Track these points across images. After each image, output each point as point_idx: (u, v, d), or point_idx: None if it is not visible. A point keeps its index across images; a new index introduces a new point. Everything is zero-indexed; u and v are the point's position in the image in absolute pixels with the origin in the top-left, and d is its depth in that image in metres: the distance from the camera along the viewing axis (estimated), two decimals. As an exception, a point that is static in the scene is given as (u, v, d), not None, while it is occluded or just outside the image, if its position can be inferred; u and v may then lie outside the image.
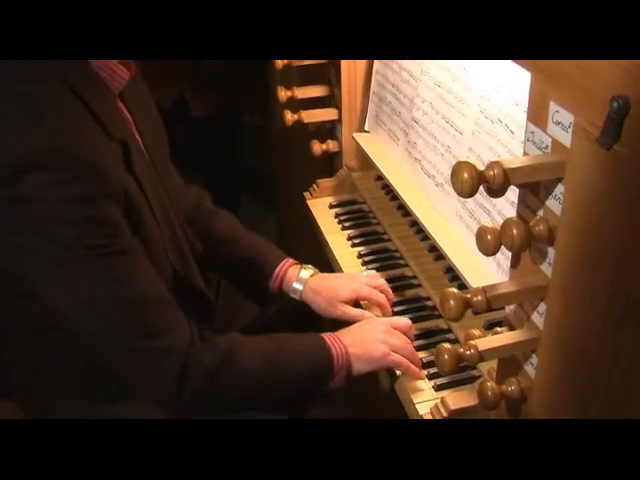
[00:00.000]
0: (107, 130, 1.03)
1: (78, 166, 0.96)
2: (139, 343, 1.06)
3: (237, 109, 2.66)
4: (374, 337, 1.23)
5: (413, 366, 1.22)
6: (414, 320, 1.34)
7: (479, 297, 0.83)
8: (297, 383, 1.19)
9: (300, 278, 1.38)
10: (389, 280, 1.43)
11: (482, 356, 0.86)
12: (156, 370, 1.08)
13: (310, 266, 1.41)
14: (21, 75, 0.98)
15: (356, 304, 1.37)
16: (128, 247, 1.04)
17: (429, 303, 1.39)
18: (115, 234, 1.02)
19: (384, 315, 1.35)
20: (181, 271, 1.22)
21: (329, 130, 1.80)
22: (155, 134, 1.27)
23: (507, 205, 1.12)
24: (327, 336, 1.22)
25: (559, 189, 0.77)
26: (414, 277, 1.45)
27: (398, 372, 1.23)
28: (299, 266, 1.41)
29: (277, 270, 1.40)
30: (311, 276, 1.38)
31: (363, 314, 1.34)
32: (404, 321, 1.29)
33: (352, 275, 1.45)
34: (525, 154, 0.83)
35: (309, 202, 1.77)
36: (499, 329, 0.96)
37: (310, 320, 1.40)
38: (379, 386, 1.30)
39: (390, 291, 1.38)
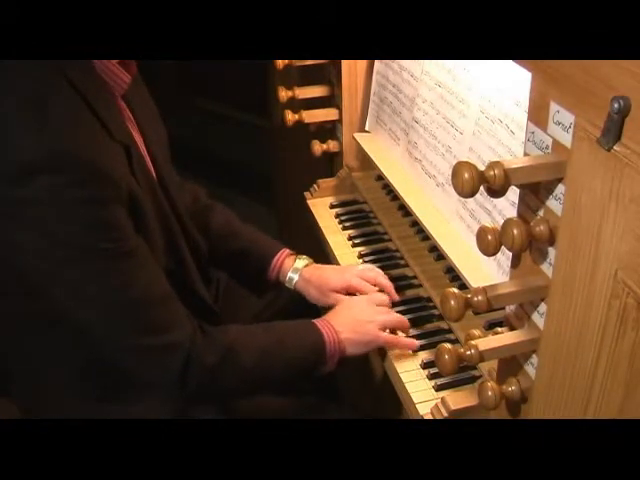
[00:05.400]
0: (111, 133, 1.03)
1: (85, 169, 0.96)
2: (144, 340, 1.08)
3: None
4: (365, 319, 1.28)
5: (404, 340, 1.28)
6: (414, 320, 1.34)
7: (479, 297, 0.83)
8: (292, 372, 1.25)
9: (295, 268, 1.43)
10: (389, 280, 1.43)
11: (482, 356, 0.86)
12: (160, 366, 1.11)
13: (305, 257, 1.46)
14: (27, 76, 0.97)
15: (349, 294, 1.39)
16: (133, 248, 1.05)
17: (430, 303, 1.39)
18: (121, 236, 1.02)
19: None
20: (177, 274, 1.22)
21: (329, 130, 1.80)
22: (156, 133, 1.27)
23: (508, 205, 1.12)
24: (320, 323, 1.27)
25: (559, 189, 0.77)
26: (414, 277, 1.45)
27: (390, 352, 1.27)
28: (294, 256, 1.46)
29: (274, 260, 1.45)
30: (305, 266, 1.43)
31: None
32: (381, 295, 1.36)
33: (345, 267, 1.49)
34: (525, 154, 0.83)
35: (309, 202, 1.77)
36: (499, 329, 0.96)
37: (307, 308, 1.44)
38: (373, 375, 1.32)
39: (385, 282, 1.40)
